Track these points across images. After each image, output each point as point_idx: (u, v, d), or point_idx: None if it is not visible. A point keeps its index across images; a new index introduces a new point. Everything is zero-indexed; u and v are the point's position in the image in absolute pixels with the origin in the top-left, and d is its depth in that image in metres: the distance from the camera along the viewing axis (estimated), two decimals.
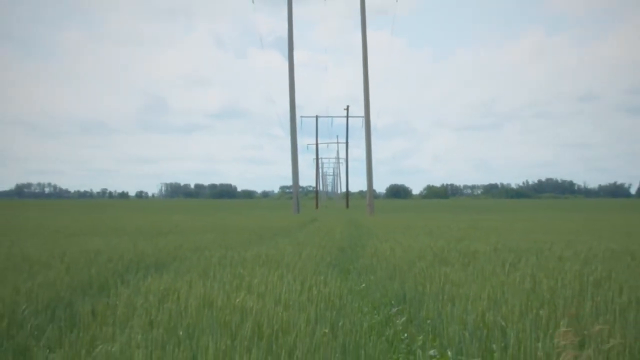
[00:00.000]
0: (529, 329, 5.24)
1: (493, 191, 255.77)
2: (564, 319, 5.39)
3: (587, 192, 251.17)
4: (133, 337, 5.15)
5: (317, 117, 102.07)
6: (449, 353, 5.53)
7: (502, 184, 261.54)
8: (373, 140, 55.03)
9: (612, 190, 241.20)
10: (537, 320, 5.69)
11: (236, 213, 56.06)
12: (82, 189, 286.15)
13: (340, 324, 5.97)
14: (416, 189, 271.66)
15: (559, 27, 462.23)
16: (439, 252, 12.17)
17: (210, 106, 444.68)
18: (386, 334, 6.49)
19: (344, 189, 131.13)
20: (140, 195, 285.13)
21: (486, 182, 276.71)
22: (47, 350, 5.31)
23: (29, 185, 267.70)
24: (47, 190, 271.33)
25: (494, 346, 5.22)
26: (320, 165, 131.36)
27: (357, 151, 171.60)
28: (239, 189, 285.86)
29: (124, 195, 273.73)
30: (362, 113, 54.33)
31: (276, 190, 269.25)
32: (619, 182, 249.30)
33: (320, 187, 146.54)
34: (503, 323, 5.68)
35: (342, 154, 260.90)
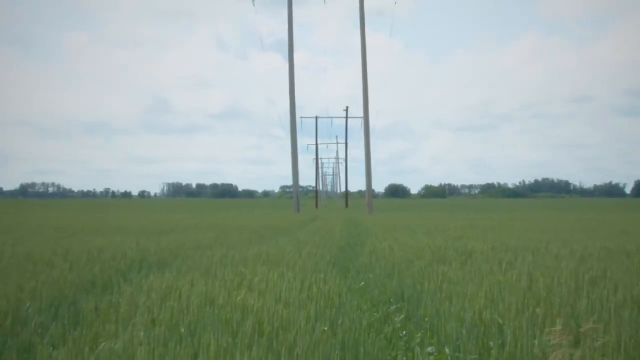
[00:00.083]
0: (526, 327, 5.31)
1: (490, 191, 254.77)
2: (560, 318, 5.46)
3: (583, 192, 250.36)
4: (136, 334, 5.17)
5: (317, 118, 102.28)
6: (447, 350, 5.56)
7: (499, 184, 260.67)
8: (372, 141, 55.03)
9: (607, 190, 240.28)
10: (534, 318, 5.74)
11: (237, 213, 56.00)
12: (85, 189, 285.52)
13: (339, 321, 6.00)
14: (415, 189, 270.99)
15: (556, 29, 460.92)
16: (437, 251, 12.21)
17: (211, 107, 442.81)
18: (385, 331, 6.53)
19: (343, 189, 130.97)
20: (143, 195, 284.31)
21: (483, 182, 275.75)
22: (51, 348, 5.31)
23: (33, 185, 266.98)
24: (51, 190, 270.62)
25: (492, 343, 5.26)
26: (320, 165, 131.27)
27: (357, 151, 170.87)
28: (240, 189, 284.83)
29: (126, 195, 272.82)
30: (362, 114, 54.43)
31: (277, 190, 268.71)
32: (615, 182, 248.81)
33: (320, 187, 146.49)
34: (500, 321, 5.73)
35: (342, 155, 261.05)
